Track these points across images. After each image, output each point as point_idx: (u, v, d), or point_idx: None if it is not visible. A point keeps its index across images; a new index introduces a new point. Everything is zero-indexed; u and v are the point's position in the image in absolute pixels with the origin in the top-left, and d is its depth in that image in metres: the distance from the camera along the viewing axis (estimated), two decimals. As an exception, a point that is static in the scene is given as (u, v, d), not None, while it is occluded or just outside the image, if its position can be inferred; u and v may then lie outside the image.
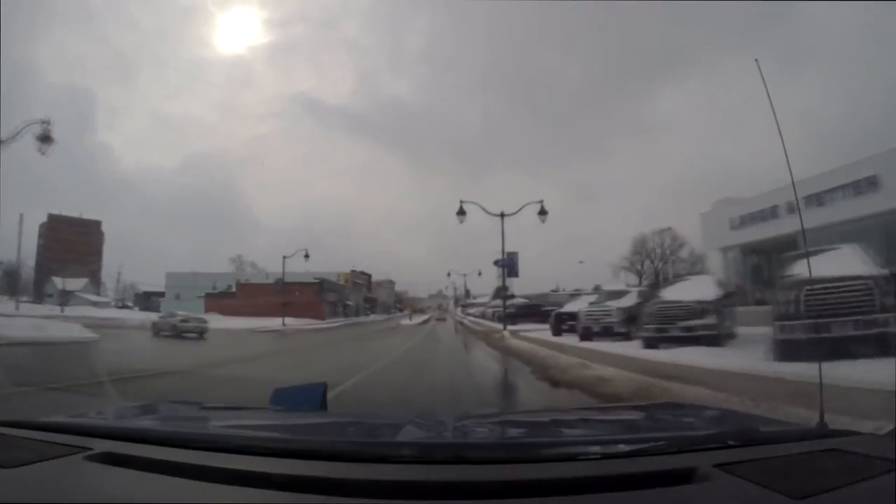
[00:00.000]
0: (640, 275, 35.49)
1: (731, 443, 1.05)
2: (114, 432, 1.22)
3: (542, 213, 19.05)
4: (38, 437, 1.19)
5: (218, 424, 1.52)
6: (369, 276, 55.17)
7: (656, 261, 35.81)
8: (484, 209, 19.80)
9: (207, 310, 32.82)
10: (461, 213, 19.26)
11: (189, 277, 36.57)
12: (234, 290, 37.52)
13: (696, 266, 30.28)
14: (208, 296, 36.27)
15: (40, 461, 1.03)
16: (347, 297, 46.60)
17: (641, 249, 36.33)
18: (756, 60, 1.72)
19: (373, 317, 47.68)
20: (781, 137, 1.62)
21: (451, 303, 51.54)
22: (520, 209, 19.55)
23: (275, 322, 27.14)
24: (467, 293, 40.93)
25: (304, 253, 28.88)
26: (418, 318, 40.34)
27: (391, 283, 60.66)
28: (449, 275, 34.99)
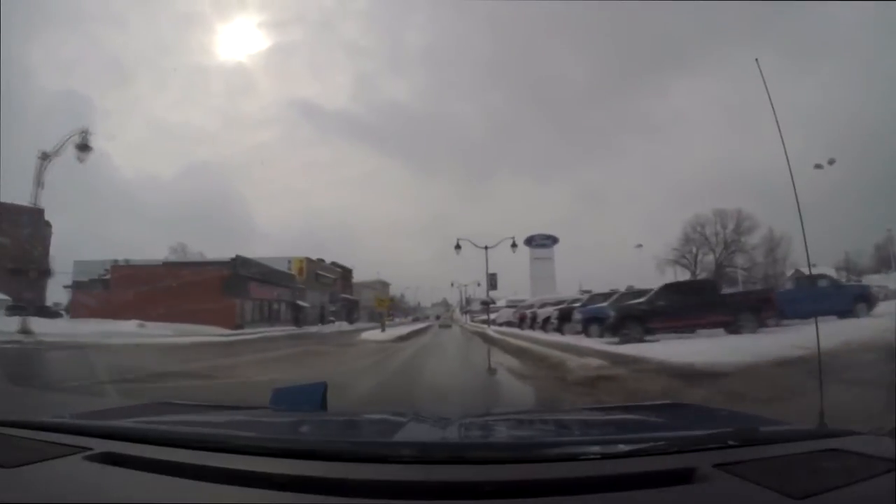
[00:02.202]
0: (692, 269, 27.85)
1: (731, 443, 1.04)
2: (114, 432, 1.22)
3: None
4: (38, 437, 1.19)
5: (218, 424, 1.52)
6: (347, 270, 43.04)
7: (717, 248, 27.62)
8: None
9: (75, 305, 24.63)
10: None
11: (100, 266, 27.05)
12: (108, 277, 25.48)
13: (774, 252, 24.15)
14: (77, 286, 25.66)
15: (40, 461, 1.03)
16: (300, 294, 32.23)
17: (697, 236, 27.98)
18: (756, 60, 1.71)
19: (338, 325, 32.96)
20: (781, 135, 1.62)
21: (458, 309, 40.70)
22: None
23: (122, 326, 17.27)
24: (493, 281, 24.98)
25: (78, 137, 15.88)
26: (405, 328, 24.74)
27: (384, 284, 49.59)
28: (458, 246, 22.31)
